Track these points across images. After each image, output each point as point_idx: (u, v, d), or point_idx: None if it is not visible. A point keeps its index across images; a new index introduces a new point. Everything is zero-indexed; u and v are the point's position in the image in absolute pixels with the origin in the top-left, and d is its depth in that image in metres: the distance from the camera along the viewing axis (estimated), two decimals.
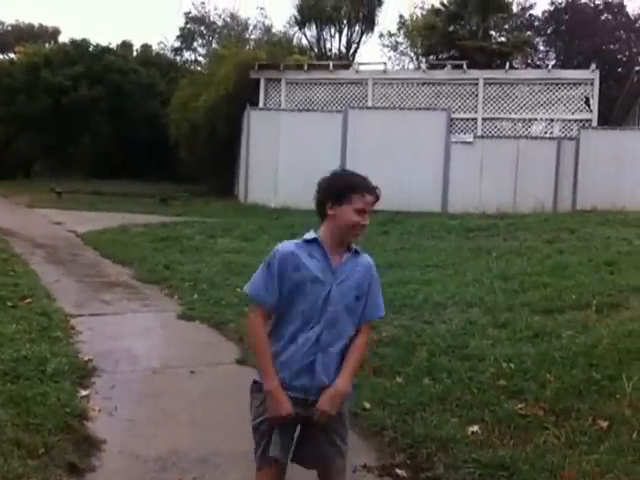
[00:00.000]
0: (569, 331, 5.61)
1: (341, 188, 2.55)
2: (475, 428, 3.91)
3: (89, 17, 73.88)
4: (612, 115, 24.61)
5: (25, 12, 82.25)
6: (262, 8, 58.12)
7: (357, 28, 36.22)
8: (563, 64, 28.81)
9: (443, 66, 21.81)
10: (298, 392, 2.54)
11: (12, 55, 37.55)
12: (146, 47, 39.97)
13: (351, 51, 36.51)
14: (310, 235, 2.58)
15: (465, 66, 20.18)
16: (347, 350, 2.60)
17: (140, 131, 30.56)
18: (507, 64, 21.23)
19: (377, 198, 2.58)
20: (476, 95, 19.67)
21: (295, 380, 2.53)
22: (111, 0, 74.64)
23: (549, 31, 33.71)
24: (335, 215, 2.53)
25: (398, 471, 3.57)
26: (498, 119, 19.69)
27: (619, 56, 32.06)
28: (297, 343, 2.53)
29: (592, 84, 19.02)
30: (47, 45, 37.59)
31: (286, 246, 2.56)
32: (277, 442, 2.52)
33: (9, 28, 44.41)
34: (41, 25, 44.65)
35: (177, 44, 41.09)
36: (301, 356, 2.52)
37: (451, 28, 30.46)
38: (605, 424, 3.85)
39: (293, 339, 2.54)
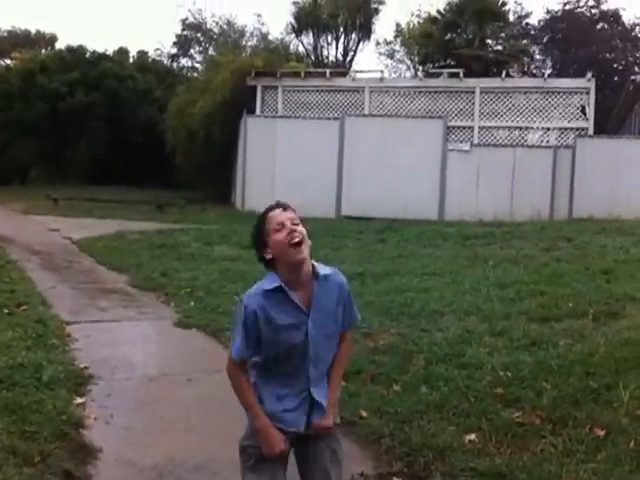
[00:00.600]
0: (566, 339, 5.59)
1: (255, 229, 2.50)
2: (472, 436, 3.89)
3: (86, 24, 74.54)
4: (608, 124, 24.70)
5: (22, 18, 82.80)
6: (259, 15, 58.74)
7: (354, 36, 36.44)
8: (559, 73, 28.93)
9: (440, 74, 21.93)
10: (292, 426, 2.50)
11: (8, 61, 37.62)
12: (143, 53, 40.23)
13: (348, 59, 36.69)
14: (271, 284, 2.42)
15: (462, 74, 20.30)
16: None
17: (137, 137, 30.72)
18: (503, 72, 21.38)
19: (283, 207, 2.45)
20: (473, 103, 19.78)
21: (288, 418, 2.50)
22: (108, 7, 75.10)
23: (545, 40, 33.85)
24: (272, 252, 2.43)
25: (395, 479, 3.57)
26: (495, 127, 19.80)
27: (615, 65, 32.20)
28: (291, 391, 2.50)
29: (588, 93, 19.15)
30: (43, 51, 37.81)
31: (254, 300, 2.43)
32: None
33: (5, 34, 44.42)
34: (38, 31, 44.80)
35: (174, 51, 41.38)
36: (295, 402, 2.50)
37: (448, 36, 30.65)
38: (602, 433, 3.83)
39: (285, 387, 2.51)
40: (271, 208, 2.47)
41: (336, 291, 2.51)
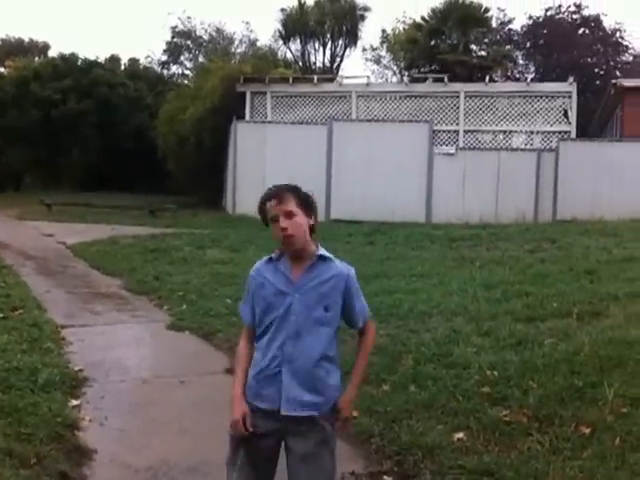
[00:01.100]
0: (551, 339, 5.68)
1: (259, 210, 2.57)
2: (460, 435, 3.95)
3: (78, 32, 74.47)
4: (590, 127, 24.96)
5: (15, 27, 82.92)
6: (247, 22, 58.89)
7: (341, 42, 36.58)
8: (542, 77, 29.16)
9: (425, 79, 22.06)
10: (266, 402, 2.51)
11: (2, 69, 37.54)
12: (134, 61, 40.32)
13: (335, 65, 36.82)
14: (274, 254, 2.60)
15: (446, 79, 20.45)
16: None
17: (128, 144, 30.88)
18: (487, 77, 21.48)
19: (277, 197, 2.50)
20: (457, 107, 19.95)
21: (263, 389, 2.52)
22: (99, 15, 75.16)
23: (528, 45, 34.12)
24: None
25: (386, 478, 3.61)
26: (479, 131, 19.96)
27: (596, 69, 32.52)
28: (265, 355, 2.53)
29: (570, 97, 19.36)
30: (37, 59, 37.68)
31: (253, 268, 2.62)
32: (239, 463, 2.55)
33: None
34: (31, 40, 44.89)
35: (164, 58, 41.38)
36: (266, 366, 2.52)
37: (432, 42, 30.85)
38: (588, 430, 3.90)
39: (263, 352, 2.55)
40: (268, 197, 2.52)
41: (331, 276, 2.55)
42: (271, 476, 2.62)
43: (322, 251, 2.57)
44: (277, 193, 2.51)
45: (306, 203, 2.53)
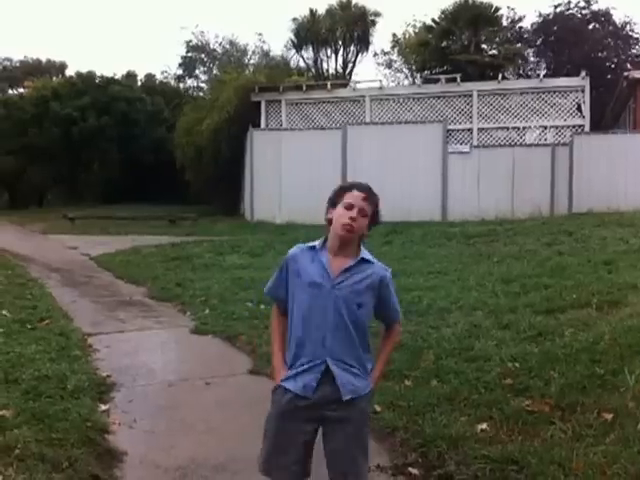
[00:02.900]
0: (571, 329, 5.70)
1: (335, 192, 2.71)
2: (484, 426, 3.97)
3: (94, 50, 75.36)
4: (603, 121, 24.78)
5: (33, 48, 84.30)
6: (260, 34, 59.00)
7: (352, 48, 36.58)
8: (554, 73, 28.91)
9: (437, 80, 22.03)
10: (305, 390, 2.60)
11: (22, 90, 38.07)
12: (150, 76, 40.75)
13: (347, 70, 36.85)
14: (317, 241, 2.69)
15: (459, 79, 20.43)
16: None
17: (147, 157, 31.37)
18: (499, 75, 21.43)
19: (367, 194, 2.64)
20: (471, 106, 19.91)
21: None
22: (115, 33, 76.21)
23: (539, 42, 33.90)
24: (332, 218, 2.66)
25: (411, 470, 3.64)
26: (493, 129, 19.90)
27: (608, 63, 32.26)
28: (305, 351, 2.61)
29: (583, 91, 19.26)
30: (55, 79, 38.08)
31: (293, 250, 2.72)
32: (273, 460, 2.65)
33: (18, 64, 45.09)
34: (48, 60, 45.34)
35: (180, 72, 42.00)
36: (309, 360, 2.60)
37: (443, 43, 30.76)
38: (610, 417, 3.92)
39: (300, 348, 2.62)
40: (359, 187, 2.67)
41: (368, 276, 2.65)
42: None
43: (365, 254, 2.67)
44: (368, 191, 2.67)
45: (377, 216, 2.68)
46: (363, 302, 2.62)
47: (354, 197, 2.61)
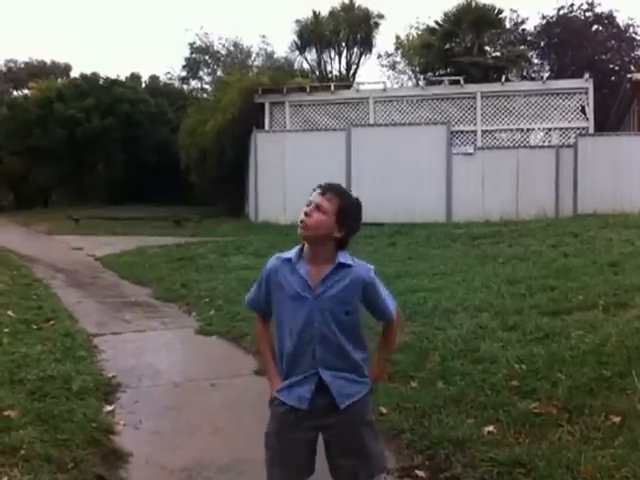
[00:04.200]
0: (578, 331, 5.66)
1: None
2: (491, 428, 3.94)
3: (98, 52, 75.82)
4: (607, 122, 24.76)
5: (37, 50, 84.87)
6: (263, 35, 59.49)
7: (356, 50, 36.77)
8: (557, 75, 28.99)
9: (441, 82, 22.05)
10: (301, 402, 2.56)
11: (26, 91, 38.38)
12: (154, 78, 41.12)
13: (351, 72, 36.99)
14: (289, 254, 2.58)
15: (462, 81, 20.44)
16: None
17: (152, 158, 31.58)
18: (503, 77, 21.44)
19: (325, 190, 2.52)
20: (474, 108, 19.93)
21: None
22: (119, 35, 76.57)
23: (542, 44, 33.95)
24: None
25: (417, 472, 3.60)
26: (497, 130, 19.94)
27: (611, 65, 32.29)
28: (297, 364, 2.56)
29: (586, 93, 19.30)
30: (59, 80, 38.30)
31: (272, 262, 2.61)
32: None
33: (22, 65, 45.51)
34: (53, 61, 45.80)
35: (183, 74, 42.25)
36: (301, 372, 2.56)
37: (447, 45, 30.88)
38: (618, 419, 3.88)
39: (291, 362, 2.58)
40: (320, 186, 2.57)
41: (354, 283, 2.55)
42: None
43: (343, 258, 2.55)
44: (327, 187, 2.55)
45: (344, 213, 2.52)
46: (350, 309, 2.55)
47: (313, 195, 2.54)
